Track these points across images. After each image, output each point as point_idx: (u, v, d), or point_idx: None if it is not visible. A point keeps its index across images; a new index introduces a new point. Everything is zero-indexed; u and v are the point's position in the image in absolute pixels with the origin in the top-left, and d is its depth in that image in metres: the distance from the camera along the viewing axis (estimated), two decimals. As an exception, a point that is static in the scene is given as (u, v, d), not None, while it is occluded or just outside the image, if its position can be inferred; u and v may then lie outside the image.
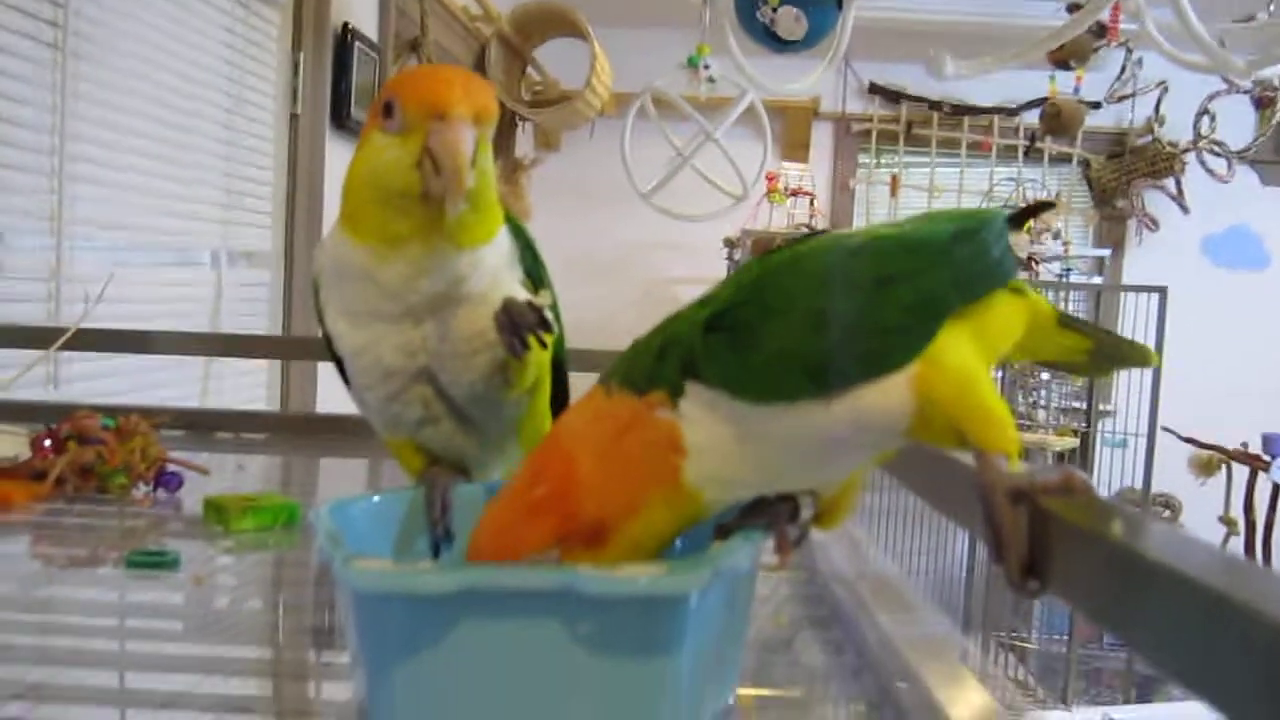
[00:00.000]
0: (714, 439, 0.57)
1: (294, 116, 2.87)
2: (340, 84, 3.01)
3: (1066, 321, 0.69)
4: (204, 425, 1.63)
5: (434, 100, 0.70)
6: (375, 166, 0.73)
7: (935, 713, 0.65)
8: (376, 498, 0.71)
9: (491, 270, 0.80)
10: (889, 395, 0.56)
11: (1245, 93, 4.91)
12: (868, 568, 0.97)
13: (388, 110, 0.72)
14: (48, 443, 1.15)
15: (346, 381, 0.86)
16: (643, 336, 0.62)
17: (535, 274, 0.85)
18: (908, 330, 0.57)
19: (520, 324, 0.77)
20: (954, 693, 0.67)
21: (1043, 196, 4.88)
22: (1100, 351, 0.71)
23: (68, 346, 1.52)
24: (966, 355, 0.58)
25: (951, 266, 0.60)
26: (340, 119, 3.03)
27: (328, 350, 0.85)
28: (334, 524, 0.60)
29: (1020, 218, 0.66)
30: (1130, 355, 0.74)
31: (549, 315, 0.79)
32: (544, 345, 0.79)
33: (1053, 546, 0.50)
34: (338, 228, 0.78)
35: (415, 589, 0.51)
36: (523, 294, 0.82)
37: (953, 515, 0.65)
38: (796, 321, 0.57)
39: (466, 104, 0.70)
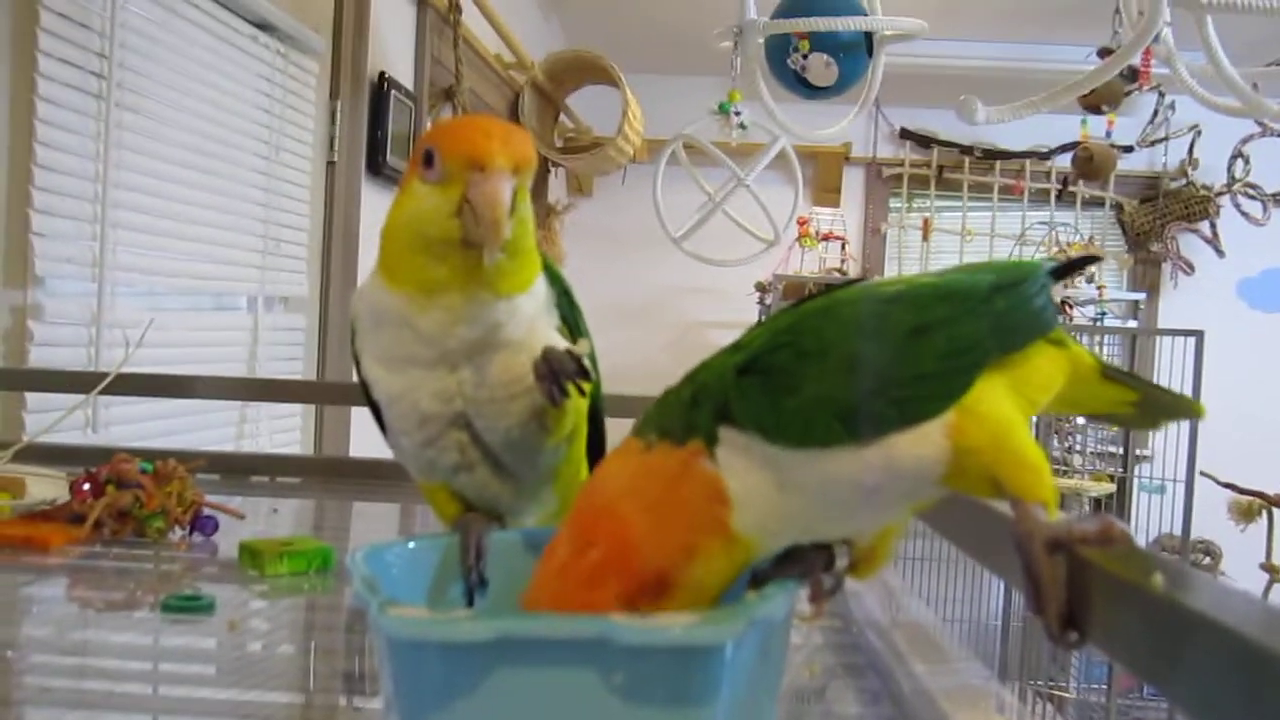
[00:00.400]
0: (753, 486, 0.57)
1: (330, 164, 2.91)
2: (376, 132, 3.05)
3: (1110, 374, 0.68)
4: (239, 469, 1.64)
5: (473, 152, 0.71)
6: (415, 214, 0.74)
7: (973, 765, 0.64)
8: (411, 544, 0.71)
9: (529, 317, 0.80)
10: (923, 443, 0.56)
11: (1279, 135, 4.89)
12: (903, 616, 0.96)
13: (428, 160, 0.73)
14: (86, 486, 1.16)
15: (382, 427, 0.87)
16: (674, 385, 0.62)
17: (572, 320, 0.86)
18: (942, 378, 0.57)
19: (560, 372, 0.78)
20: (992, 745, 0.66)
21: (1076, 241, 4.86)
22: (1146, 403, 0.70)
23: (108, 391, 1.54)
24: (1003, 404, 0.58)
25: (990, 316, 0.60)
26: (376, 166, 3.07)
27: (364, 396, 0.86)
28: (369, 570, 0.60)
29: (1064, 271, 0.66)
30: (1177, 408, 0.73)
31: (587, 363, 0.79)
32: (583, 394, 0.80)
33: (1092, 597, 0.49)
34: (375, 275, 0.79)
35: (451, 637, 0.51)
36: (560, 340, 0.82)
37: (991, 565, 0.65)
38: (831, 366, 0.57)
39: (505, 155, 0.71)
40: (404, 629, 0.52)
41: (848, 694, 0.81)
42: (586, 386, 0.79)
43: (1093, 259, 0.78)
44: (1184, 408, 0.73)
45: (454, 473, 0.85)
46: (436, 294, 0.76)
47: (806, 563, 0.62)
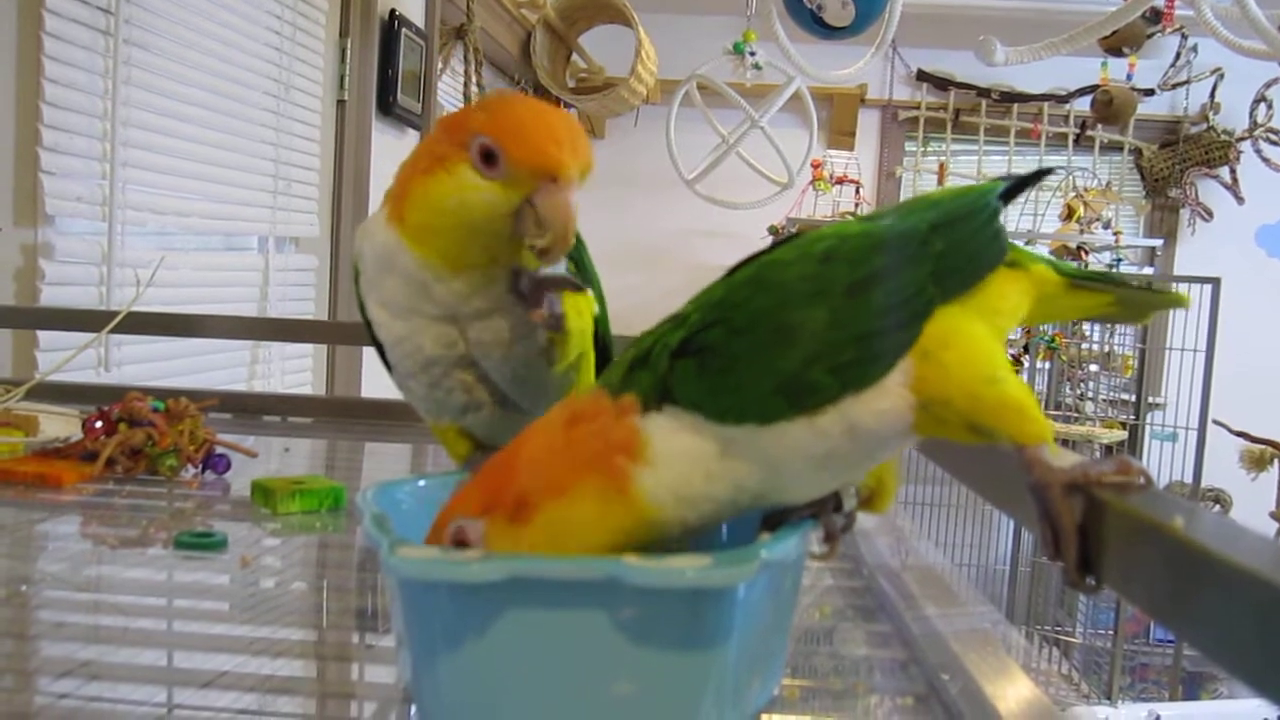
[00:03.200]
0: (686, 457, 0.55)
1: (340, 103, 2.88)
2: (387, 71, 3.02)
3: (1079, 283, 0.64)
4: (251, 409, 1.65)
5: (545, 162, 0.69)
6: (466, 204, 0.72)
7: (983, 707, 0.64)
8: (422, 482, 0.71)
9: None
10: (882, 399, 0.54)
11: (1304, 80, 4.81)
12: (913, 559, 0.96)
13: (487, 156, 0.70)
14: (99, 424, 1.16)
15: (388, 366, 0.86)
16: (627, 349, 0.60)
17: (578, 257, 0.85)
18: (883, 336, 0.54)
19: (545, 285, 0.76)
20: (1002, 687, 0.66)
21: (1094, 186, 4.80)
22: (1126, 301, 0.66)
23: (119, 330, 1.54)
24: (970, 347, 0.55)
25: (930, 260, 0.56)
26: (386, 106, 3.04)
27: (369, 336, 0.85)
28: (380, 508, 0.60)
29: (1017, 189, 0.62)
30: (1157, 302, 0.69)
31: (571, 277, 0.78)
32: (578, 287, 0.78)
33: (1109, 540, 0.48)
34: (387, 220, 0.77)
35: (461, 577, 0.50)
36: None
37: (1007, 508, 0.64)
38: (763, 340, 0.54)
39: (576, 164, 0.70)
40: (414, 569, 0.52)
41: (858, 635, 0.81)
42: (589, 324, 0.79)
43: (1046, 172, 0.71)
44: (1166, 301, 0.70)
45: (462, 413, 0.84)
46: (462, 268, 0.75)
47: (817, 504, 0.61)
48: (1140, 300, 0.67)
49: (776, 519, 0.60)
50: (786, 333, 0.54)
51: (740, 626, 0.54)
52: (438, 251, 0.75)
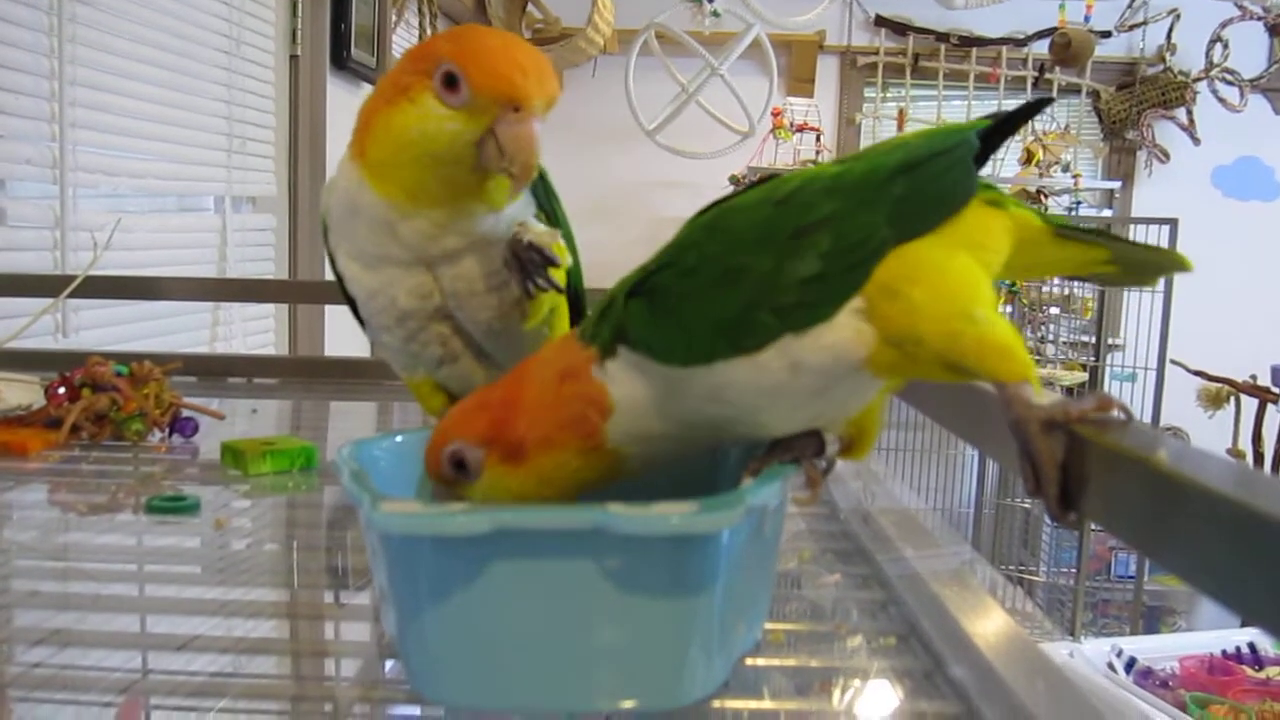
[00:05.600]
0: (640, 400, 0.58)
1: (294, 58, 2.83)
2: (340, 25, 2.96)
3: (1066, 233, 0.63)
4: (216, 371, 1.63)
5: (509, 90, 0.68)
6: (427, 133, 0.70)
7: (964, 644, 0.65)
8: (399, 437, 0.70)
9: (509, 217, 0.78)
10: (825, 337, 0.54)
11: (1259, 19, 4.83)
12: (888, 502, 0.97)
13: (449, 81, 0.69)
14: (62, 390, 1.14)
15: (361, 322, 0.85)
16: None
17: (549, 207, 0.84)
18: (828, 280, 0.54)
19: (527, 264, 0.76)
20: (982, 624, 0.67)
21: (1053, 129, 4.82)
22: (1123, 260, 0.65)
23: (77, 294, 1.51)
24: (944, 282, 0.55)
25: (886, 203, 0.56)
26: (340, 60, 2.98)
27: (340, 291, 0.84)
28: (358, 464, 0.60)
29: (1000, 130, 0.61)
30: (1158, 262, 0.68)
31: (552, 253, 0.77)
32: (554, 286, 0.78)
33: (1092, 475, 0.49)
34: (353, 171, 0.76)
35: (445, 530, 0.50)
36: (538, 227, 0.80)
37: (984, 446, 0.64)
38: (707, 281, 0.56)
39: (541, 94, 0.69)
40: (398, 523, 0.51)
41: (839, 578, 0.81)
42: (560, 275, 0.78)
43: (1037, 106, 0.65)
44: (1167, 261, 0.68)
45: (437, 365, 0.84)
46: (425, 205, 0.74)
47: (799, 448, 0.62)
48: (1137, 258, 0.66)
49: (758, 465, 0.60)
50: (731, 275, 0.55)
51: (725, 572, 0.54)
52: (401, 187, 0.73)
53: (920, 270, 0.55)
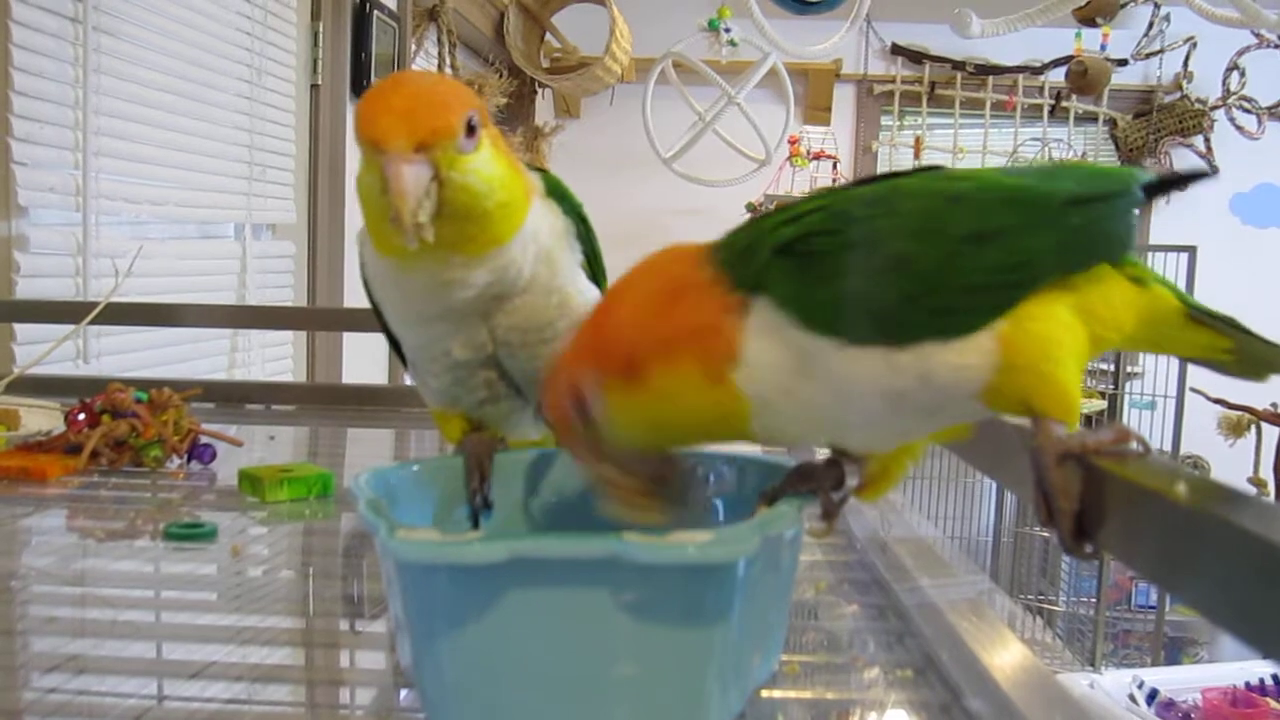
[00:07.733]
0: (771, 360, 0.55)
1: (314, 87, 2.86)
2: (360, 54, 2.99)
3: (1198, 317, 0.60)
4: (234, 397, 1.63)
5: (369, 134, 0.64)
6: (361, 189, 0.68)
7: (982, 676, 0.65)
8: (416, 466, 0.70)
9: (538, 258, 0.76)
10: (962, 355, 0.53)
11: (1276, 47, 4.83)
12: (905, 531, 0.96)
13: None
14: (81, 416, 1.15)
15: (403, 360, 0.85)
16: (751, 220, 0.60)
17: (590, 251, 0.82)
18: (990, 292, 0.53)
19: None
20: (1000, 657, 0.67)
21: (1069, 156, 4.82)
22: (1243, 352, 0.62)
23: (98, 321, 1.52)
24: (1059, 327, 0.54)
25: (1057, 231, 0.55)
26: (361, 89, 3.01)
27: (383, 332, 0.84)
28: (374, 493, 0.60)
29: (1161, 187, 0.59)
30: (1275, 360, 0.63)
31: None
32: None
33: (1107, 507, 0.49)
34: (364, 232, 0.75)
35: (462, 559, 0.50)
36: (584, 283, 0.79)
37: (1001, 477, 0.64)
38: (873, 262, 0.54)
39: (404, 134, 0.63)
40: (414, 552, 0.51)
41: (855, 609, 0.81)
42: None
43: (1200, 175, 0.61)
44: None
45: (478, 406, 0.83)
46: (410, 260, 0.70)
47: (816, 479, 0.61)
48: (1257, 353, 0.62)
49: (775, 495, 0.60)
50: (897, 261, 0.54)
51: (741, 602, 0.53)
52: (382, 245, 0.71)
53: (1045, 309, 0.54)
